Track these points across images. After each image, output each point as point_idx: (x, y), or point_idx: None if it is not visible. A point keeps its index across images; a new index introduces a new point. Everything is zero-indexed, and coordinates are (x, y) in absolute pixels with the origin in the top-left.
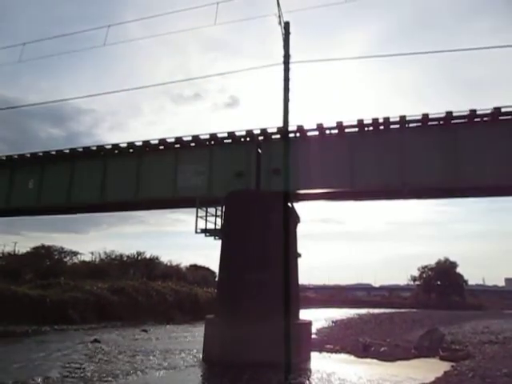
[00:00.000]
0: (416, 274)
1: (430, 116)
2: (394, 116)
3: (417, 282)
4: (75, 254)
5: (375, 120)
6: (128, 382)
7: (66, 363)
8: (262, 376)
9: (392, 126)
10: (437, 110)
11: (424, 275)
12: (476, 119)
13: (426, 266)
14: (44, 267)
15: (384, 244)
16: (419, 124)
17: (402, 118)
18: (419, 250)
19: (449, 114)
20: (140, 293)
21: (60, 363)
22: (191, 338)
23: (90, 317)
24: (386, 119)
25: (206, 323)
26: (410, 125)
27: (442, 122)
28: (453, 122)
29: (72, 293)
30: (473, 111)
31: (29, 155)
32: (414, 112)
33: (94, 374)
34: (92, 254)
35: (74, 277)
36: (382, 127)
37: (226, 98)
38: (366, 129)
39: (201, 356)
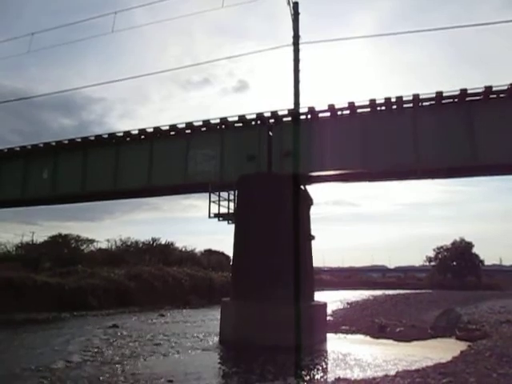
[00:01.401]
0: (431, 254)
1: (444, 94)
2: (407, 95)
3: (432, 263)
4: (91, 241)
5: (388, 99)
6: (147, 364)
7: (86, 348)
8: (276, 358)
9: (405, 106)
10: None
11: (439, 256)
12: (491, 96)
13: (441, 247)
14: (62, 255)
15: (399, 225)
16: (433, 102)
17: (416, 96)
18: (434, 231)
19: (463, 91)
20: (156, 278)
21: (80, 348)
22: (208, 322)
23: (107, 303)
24: (399, 98)
25: (221, 306)
26: (424, 103)
27: (456, 100)
28: (467, 99)
29: (90, 280)
30: (488, 87)
31: (42, 145)
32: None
33: (113, 358)
34: (108, 241)
35: (91, 264)
36: (394, 107)
37: (234, 82)
38: (378, 109)
39: (217, 339)
